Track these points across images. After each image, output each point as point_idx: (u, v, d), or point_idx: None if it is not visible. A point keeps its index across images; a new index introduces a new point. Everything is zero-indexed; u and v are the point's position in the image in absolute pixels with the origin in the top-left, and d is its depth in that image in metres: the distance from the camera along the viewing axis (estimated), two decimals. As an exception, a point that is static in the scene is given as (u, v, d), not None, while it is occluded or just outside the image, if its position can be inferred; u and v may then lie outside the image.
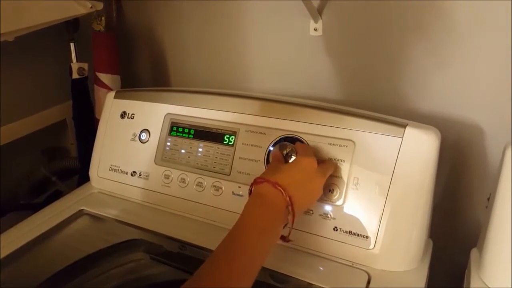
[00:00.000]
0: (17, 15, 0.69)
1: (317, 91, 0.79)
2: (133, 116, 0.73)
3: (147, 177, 0.70)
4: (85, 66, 0.89)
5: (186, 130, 0.68)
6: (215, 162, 0.65)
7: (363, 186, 0.55)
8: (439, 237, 0.63)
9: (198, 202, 0.65)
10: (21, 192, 1.04)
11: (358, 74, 0.74)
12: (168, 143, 0.69)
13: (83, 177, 0.84)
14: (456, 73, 0.66)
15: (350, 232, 0.55)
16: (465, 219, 0.74)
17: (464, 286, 0.54)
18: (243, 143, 0.63)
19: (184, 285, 0.39)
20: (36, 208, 0.73)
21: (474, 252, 0.57)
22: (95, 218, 0.71)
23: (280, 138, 0.60)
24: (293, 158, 0.56)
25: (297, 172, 0.51)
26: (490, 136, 0.67)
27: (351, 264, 0.56)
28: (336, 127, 0.57)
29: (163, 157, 0.69)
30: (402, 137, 0.54)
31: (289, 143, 0.59)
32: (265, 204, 0.48)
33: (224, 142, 0.64)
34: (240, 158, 0.63)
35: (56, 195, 0.98)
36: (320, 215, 0.56)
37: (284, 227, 0.50)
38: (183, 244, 0.63)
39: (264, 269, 0.48)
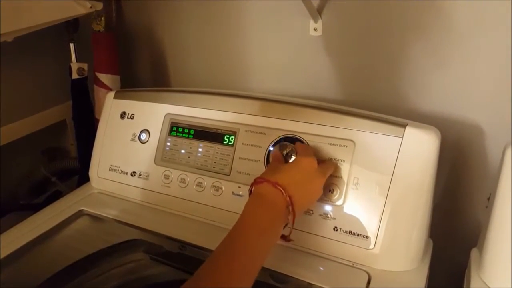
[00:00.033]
0: (17, 16, 0.69)
1: (317, 91, 0.79)
2: (133, 116, 0.73)
3: (147, 177, 0.70)
4: (85, 66, 0.89)
5: (186, 130, 0.68)
6: (215, 162, 0.65)
7: (363, 186, 0.55)
8: (439, 237, 0.63)
9: (198, 202, 0.65)
10: (21, 192, 1.04)
11: (358, 74, 0.74)
12: (168, 143, 0.69)
13: (83, 178, 0.84)
14: (456, 73, 0.66)
15: (350, 232, 0.55)
16: (465, 219, 0.74)
17: (464, 286, 0.54)
18: (243, 143, 0.63)
19: (184, 285, 0.39)
20: (36, 208, 0.73)
21: (474, 252, 0.57)
22: (95, 218, 0.71)
23: (280, 138, 0.60)
24: (293, 158, 0.56)
25: (297, 172, 0.51)
26: (490, 136, 0.67)
27: (351, 264, 0.56)
28: (336, 127, 0.57)
29: (163, 157, 0.69)
30: (402, 137, 0.54)
31: (289, 143, 0.59)
32: (265, 204, 0.48)
33: (224, 142, 0.64)
34: (240, 158, 0.63)
35: (56, 196, 0.98)
36: (320, 215, 0.56)
37: (284, 227, 0.50)
38: (183, 244, 0.63)
39: (264, 269, 0.48)
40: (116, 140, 0.74)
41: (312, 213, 0.57)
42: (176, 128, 0.69)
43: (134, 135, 0.72)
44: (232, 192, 0.63)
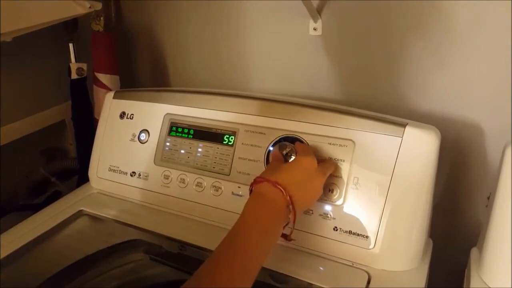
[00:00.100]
0: (16, 15, 0.68)
1: (317, 90, 0.78)
2: (132, 116, 0.72)
3: (146, 177, 0.70)
4: (84, 66, 0.88)
5: (186, 130, 0.68)
6: (215, 162, 0.64)
7: (363, 186, 0.55)
8: (439, 236, 0.63)
9: (198, 203, 0.65)
10: (21, 192, 1.04)
11: (357, 73, 0.74)
12: (168, 143, 0.69)
13: (83, 178, 0.84)
14: (456, 72, 0.66)
15: (350, 232, 0.55)
16: (465, 218, 0.74)
17: (464, 286, 0.54)
18: (242, 143, 0.63)
19: (184, 285, 0.39)
20: (35, 208, 0.73)
21: (474, 252, 0.57)
22: (95, 218, 0.71)
23: (280, 138, 0.60)
24: (293, 158, 0.56)
25: (297, 172, 0.51)
26: (490, 136, 0.67)
27: (351, 264, 0.56)
28: (336, 127, 0.57)
29: (163, 157, 0.69)
30: (402, 137, 0.53)
31: (288, 143, 0.59)
32: (265, 204, 0.48)
33: (224, 142, 0.64)
34: (239, 158, 0.63)
35: (56, 196, 0.98)
36: (320, 215, 0.56)
37: (284, 227, 0.50)
38: (183, 244, 0.63)
39: (264, 269, 0.48)
40: (116, 140, 0.73)
41: (312, 213, 0.57)
42: (176, 128, 0.68)
43: (134, 135, 0.72)
44: (232, 192, 0.63)
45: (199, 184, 0.65)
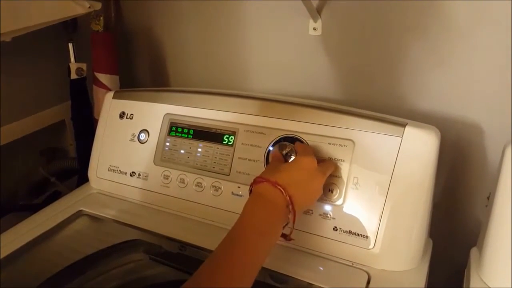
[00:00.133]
0: (15, 15, 0.68)
1: (316, 90, 0.78)
2: (132, 116, 0.72)
3: (146, 177, 0.70)
4: (84, 66, 0.88)
5: (185, 130, 0.68)
6: (215, 162, 0.64)
7: (362, 186, 0.55)
8: (439, 236, 0.63)
9: (198, 203, 0.65)
10: (20, 192, 1.04)
11: (357, 73, 0.74)
12: (167, 143, 0.69)
13: (82, 178, 0.84)
14: (455, 72, 0.66)
15: (350, 232, 0.55)
16: (465, 218, 0.74)
17: (464, 286, 0.54)
18: (242, 143, 0.63)
19: (183, 286, 0.39)
20: (35, 208, 0.73)
21: (474, 251, 0.57)
22: (94, 218, 0.71)
23: (280, 138, 0.60)
24: (293, 158, 0.56)
25: (297, 172, 0.51)
26: (489, 136, 0.67)
27: (351, 264, 0.56)
28: (336, 127, 0.57)
29: (162, 158, 0.69)
30: (401, 137, 0.53)
31: (288, 143, 0.59)
32: (265, 204, 0.48)
33: (224, 142, 0.64)
34: (239, 158, 0.63)
35: (55, 196, 0.98)
36: (320, 215, 0.56)
37: (284, 227, 0.50)
38: (183, 244, 0.63)
39: (264, 269, 0.48)
40: (115, 140, 0.73)
41: (312, 213, 0.57)
42: (176, 128, 0.68)
43: (133, 135, 0.71)
44: (232, 192, 0.63)
45: (199, 184, 0.65)
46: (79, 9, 0.77)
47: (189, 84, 0.93)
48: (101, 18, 0.86)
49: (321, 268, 0.56)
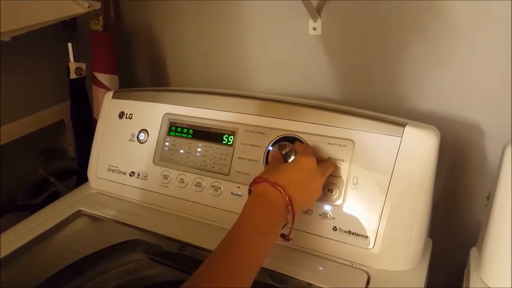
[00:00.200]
0: (14, 15, 0.68)
1: (316, 90, 0.78)
2: (131, 116, 0.72)
3: (145, 177, 0.70)
4: (83, 66, 0.88)
5: (185, 130, 0.68)
6: (214, 162, 0.64)
7: (362, 186, 0.55)
8: (439, 236, 0.63)
9: (197, 202, 0.65)
10: (20, 192, 1.04)
11: (357, 73, 0.74)
12: (167, 143, 0.69)
13: (82, 178, 0.84)
14: (455, 72, 0.66)
15: (349, 232, 0.55)
16: (465, 218, 0.74)
17: (464, 286, 0.54)
18: (242, 143, 0.63)
19: (183, 286, 0.39)
20: (34, 208, 0.73)
21: (473, 251, 0.57)
22: (94, 218, 0.71)
23: (279, 138, 0.60)
24: (293, 157, 0.56)
25: (297, 172, 0.51)
26: (489, 135, 0.67)
27: (350, 264, 0.56)
28: (335, 127, 0.57)
29: (162, 157, 0.69)
30: (401, 137, 0.53)
31: (288, 142, 0.59)
32: (264, 204, 0.48)
33: (223, 142, 0.64)
34: (239, 158, 0.63)
35: (55, 196, 0.98)
36: (320, 215, 0.56)
37: (283, 227, 0.50)
38: (182, 244, 0.63)
39: (263, 269, 0.48)
40: (115, 140, 0.73)
41: (312, 213, 0.57)
42: (175, 128, 0.68)
43: (133, 135, 0.71)
44: (231, 192, 0.63)
45: (198, 184, 0.65)
46: (78, 9, 0.77)
47: (189, 84, 0.93)
48: (101, 17, 0.86)
49: (321, 268, 0.56)
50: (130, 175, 0.71)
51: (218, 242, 0.44)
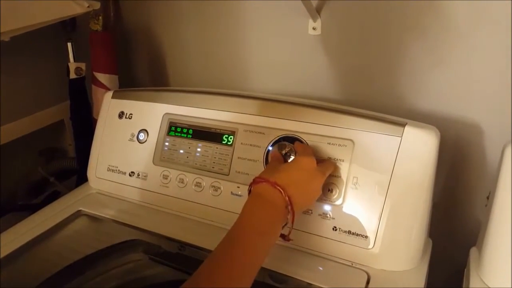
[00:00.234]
0: (14, 15, 0.68)
1: (316, 90, 0.78)
2: (131, 116, 0.72)
3: (145, 177, 0.70)
4: (83, 66, 0.88)
5: (185, 130, 0.68)
6: (214, 162, 0.64)
7: (362, 186, 0.55)
8: (439, 236, 0.63)
9: (197, 203, 0.65)
10: (20, 192, 1.04)
11: (357, 73, 0.74)
12: (167, 143, 0.69)
13: (81, 178, 0.84)
14: (455, 72, 0.66)
15: (349, 232, 0.55)
16: (465, 218, 0.74)
17: (464, 286, 0.54)
18: (242, 143, 0.63)
19: (183, 286, 0.39)
20: (34, 208, 0.73)
21: (473, 251, 0.57)
22: (93, 218, 0.71)
23: (279, 138, 0.60)
24: (292, 157, 0.56)
25: (296, 172, 0.51)
26: (489, 135, 0.67)
27: (350, 264, 0.56)
28: (335, 127, 0.57)
29: (162, 157, 0.69)
30: (401, 136, 0.53)
31: (288, 142, 0.59)
32: (264, 204, 0.48)
33: (223, 142, 0.64)
34: (239, 158, 0.62)
35: (55, 196, 0.98)
36: (319, 214, 0.56)
37: (283, 227, 0.50)
38: (182, 244, 0.63)
39: (263, 269, 0.47)
40: (114, 140, 0.73)
41: (311, 213, 0.57)
42: (175, 128, 0.68)
43: (133, 135, 0.71)
44: (231, 192, 0.62)
45: (198, 184, 0.65)
46: (78, 9, 0.77)
47: (189, 84, 0.92)
48: (100, 17, 0.86)
49: (321, 268, 0.56)
50: (130, 175, 0.71)
51: (218, 242, 0.44)
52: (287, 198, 0.48)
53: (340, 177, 0.56)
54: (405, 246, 0.54)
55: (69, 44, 0.88)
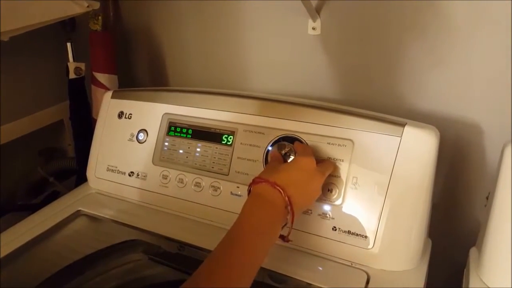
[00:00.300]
0: (13, 15, 0.68)
1: (316, 90, 0.78)
2: (131, 116, 0.72)
3: (144, 177, 0.70)
4: (82, 66, 0.88)
5: (184, 130, 0.67)
6: (214, 162, 0.64)
7: (362, 186, 0.55)
8: (438, 236, 0.63)
9: (197, 203, 0.65)
10: (19, 192, 1.04)
11: (356, 73, 0.74)
12: (166, 143, 0.69)
13: (81, 178, 0.84)
14: (455, 72, 0.66)
15: (349, 232, 0.55)
16: (464, 218, 0.74)
17: (463, 286, 0.54)
18: (241, 143, 0.63)
19: (182, 286, 0.39)
20: (34, 208, 0.73)
21: (473, 251, 0.57)
22: (93, 218, 0.71)
23: (279, 138, 0.60)
24: (292, 157, 0.56)
25: (296, 172, 0.51)
26: (489, 135, 0.67)
27: (350, 264, 0.56)
28: (335, 127, 0.57)
29: (161, 157, 0.69)
30: (400, 136, 0.53)
31: (287, 142, 0.59)
32: (264, 204, 0.48)
33: (223, 142, 0.64)
34: (238, 158, 0.62)
35: (54, 196, 0.98)
36: (319, 215, 0.56)
37: (283, 227, 0.50)
38: (182, 244, 0.63)
39: (263, 269, 0.48)
40: (114, 140, 0.73)
41: (311, 213, 0.57)
42: (174, 128, 0.68)
43: (132, 135, 0.71)
44: (231, 192, 0.62)
45: (197, 184, 0.65)
46: (78, 9, 0.77)
47: (189, 84, 0.92)
48: (100, 17, 0.86)
49: (320, 268, 0.56)
50: (129, 175, 0.71)
51: (217, 242, 0.44)
52: (286, 198, 0.47)
53: (339, 177, 0.56)
54: (404, 246, 0.54)
55: (68, 44, 0.88)
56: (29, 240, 0.63)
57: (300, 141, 0.58)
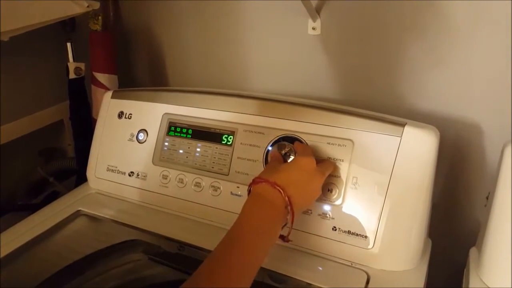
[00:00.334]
0: (13, 15, 0.68)
1: (316, 90, 0.78)
2: (131, 116, 0.72)
3: (144, 177, 0.70)
4: (82, 66, 0.88)
5: (184, 130, 0.67)
6: (214, 162, 0.64)
7: (362, 186, 0.55)
8: (438, 236, 0.63)
9: (196, 203, 0.65)
10: (19, 192, 1.04)
11: (356, 73, 0.74)
12: (166, 143, 0.69)
13: (81, 178, 0.84)
14: (455, 72, 0.66)
15: (349, 232, 0.55)
16: (464, 218, 0.74)
17: (463, 286, 0.54)
18: (241, 143, 0.63)
19: (182, 286, 0.39)
20: (34, 208, 0.73)
21: (473, 251, 0.57)
22: (93, 218, 0.71)
23: (279, 138, 0.60)
24: (292, 157, 0.56)
25: (296, 172, 0.51)
26: (489, 135, 0.67)
27: (350, 264, 0.56)
28: (335, 127, 0.57)
29: (161, 157, 0.69)
30: (400, 136, 0.53)
31: (287, 142, 0.59)
32: (264, 204, 0.48)
33: (223, 142, 0.64)
34: (238, 158, 0.62)
35: (54, 196, 0.98)
36: (319, 214, 0.56)
37: (283, 227, 0.50)
38: (182, 244, 0.63)
39: (262, 269, 0.48)
40: (114, 140, 0.73)
41: (311, 213, 0.57)
42: (174, 128, 0.68)
43: (132, 135, 0.71)
44: (231, 192, 0.62)
45: (197, 184, 0.65)
46: (78, 9, 0.77)
47: (189, 84, 0.92)
48: (100, 17, 0.86)
49: (320, 268, 0.56)
50: (129, 175, 0.71)
51: (217, 242, 0.44)
52: (286, 198, 0.47)
53: (339, 177, 0.56)
54: (404, 246, 0.54)
55: (68, 44, 0.88)
56: (29, 240, 0.63)
57: (300, 141, 0.58)
